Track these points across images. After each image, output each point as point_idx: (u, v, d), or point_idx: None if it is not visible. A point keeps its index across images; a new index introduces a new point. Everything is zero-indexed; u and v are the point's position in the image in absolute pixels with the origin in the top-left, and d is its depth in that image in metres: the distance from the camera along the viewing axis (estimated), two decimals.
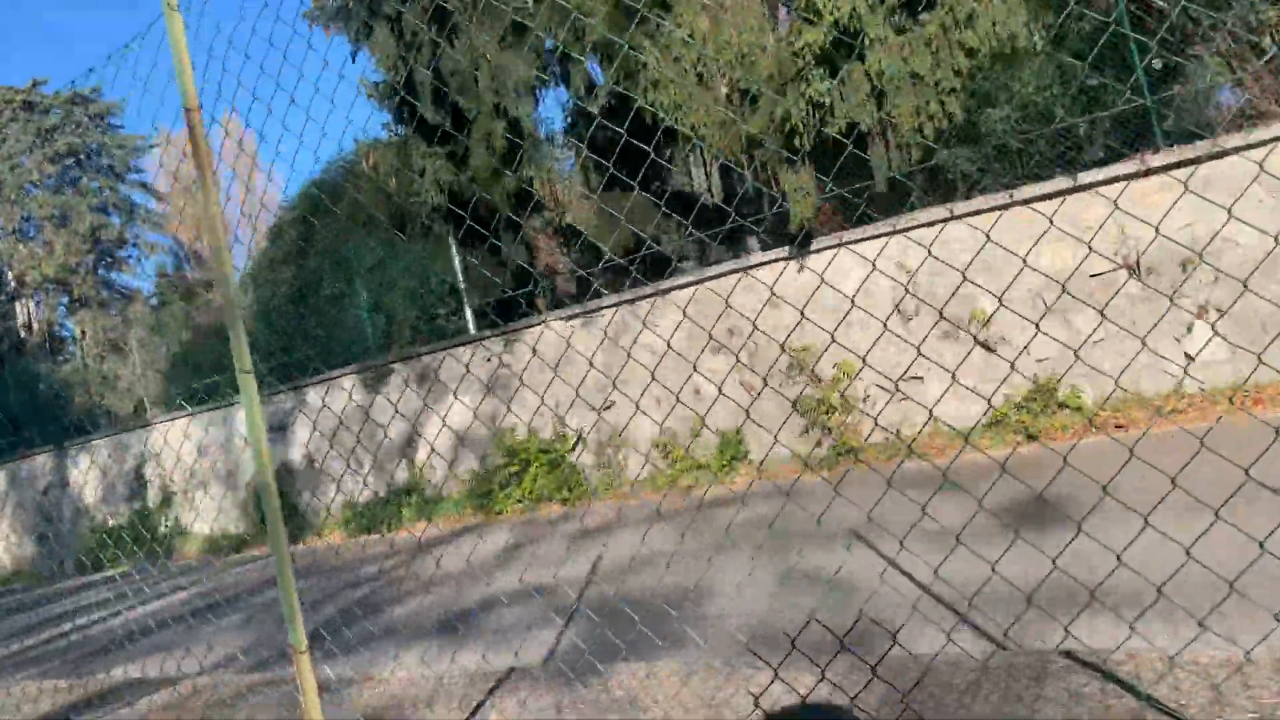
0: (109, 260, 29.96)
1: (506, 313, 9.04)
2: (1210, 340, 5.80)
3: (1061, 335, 6.28)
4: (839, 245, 6.96)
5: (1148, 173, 6.00)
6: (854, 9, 7.12)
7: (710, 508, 5.38)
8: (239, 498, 10.42)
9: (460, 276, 9.36)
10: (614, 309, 8.07)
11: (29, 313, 29.09)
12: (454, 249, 9.47)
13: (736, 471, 7.33)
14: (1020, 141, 6.53)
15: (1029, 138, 6.59)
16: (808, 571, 3.16)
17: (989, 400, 6.10)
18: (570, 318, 8.29)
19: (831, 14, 7.16)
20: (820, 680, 2.36)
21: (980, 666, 2.36)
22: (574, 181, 8.90)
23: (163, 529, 11.00)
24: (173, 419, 11.12)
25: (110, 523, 11.63)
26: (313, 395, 9.68)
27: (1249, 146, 5.64)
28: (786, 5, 8.21)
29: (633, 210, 8.29)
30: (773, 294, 6.89)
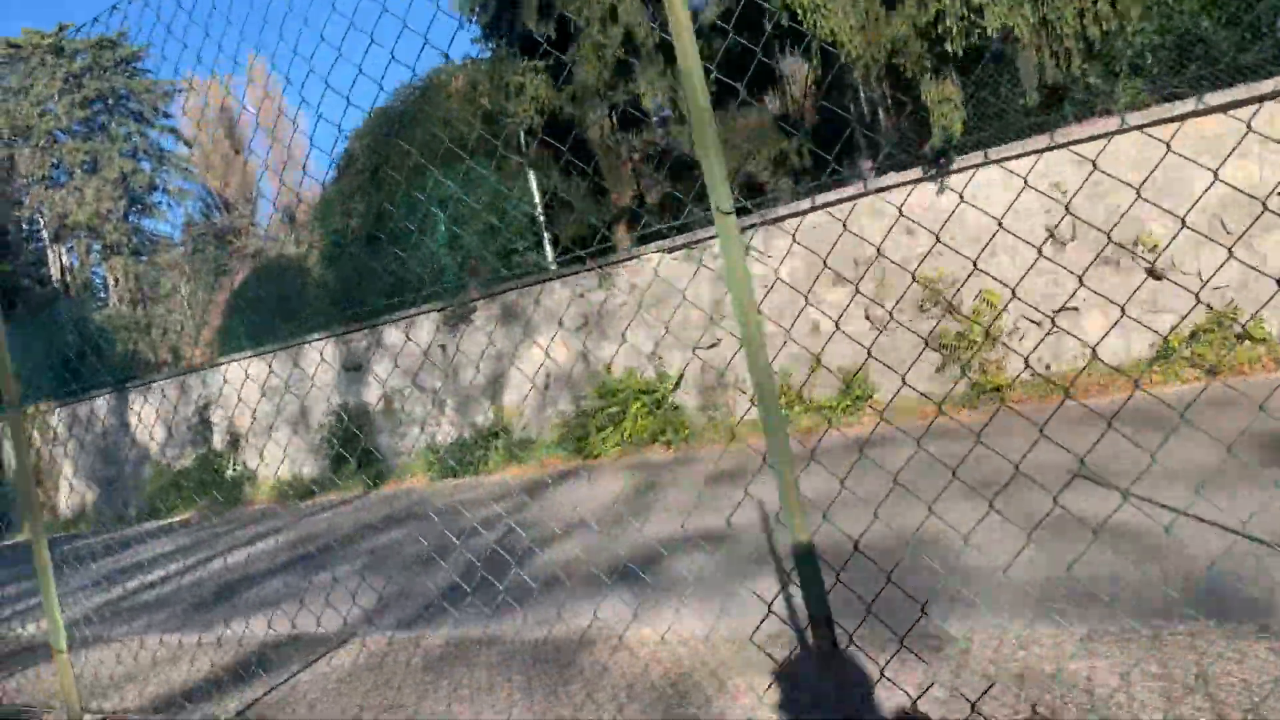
0: (140, 206, 29.56)
1: (589, 245, 8.48)
2: None
3: (1245, 259, 5.68)
4: (984, 163, 6.33)
5: None
6: None
7: (869, 447, 4.92)
8: (311, 440, 10.09)
9: (539, 209, 8.82)
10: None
11: (61, 260, 28.87)
12: (532, 179, 8.91)
13: (862, 412, 6.86)
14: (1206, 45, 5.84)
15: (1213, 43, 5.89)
16: (1066, 520, 2.64)
17: (1163, 333, 5.55)
18: (673, 249, 7.75)
19: None
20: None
21: None
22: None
23: (231, 473, 10.74)
24: (235, 359, 10.75)
25: (175, 467, 11.39)
26: (392, 334, 9.25)
27: None
28: None
29: (748, 131, 7.63)
30: (903, 216, 6.31)
